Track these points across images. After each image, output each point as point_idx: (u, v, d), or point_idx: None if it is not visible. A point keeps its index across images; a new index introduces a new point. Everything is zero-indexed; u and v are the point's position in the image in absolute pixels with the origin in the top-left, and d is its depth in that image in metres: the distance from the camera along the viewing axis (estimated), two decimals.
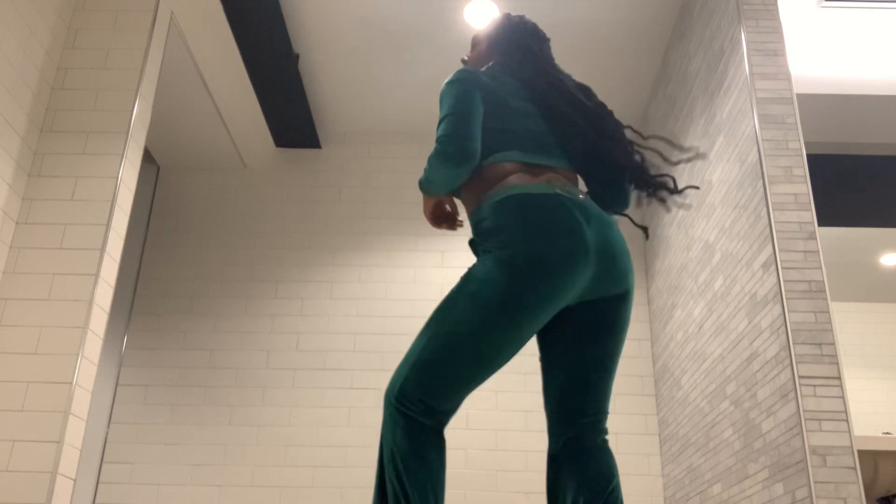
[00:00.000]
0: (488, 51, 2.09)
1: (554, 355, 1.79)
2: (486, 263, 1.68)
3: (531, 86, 1.93)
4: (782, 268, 2.89)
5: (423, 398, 1.63)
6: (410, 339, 4.80)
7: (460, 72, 1.89)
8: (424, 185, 1.85)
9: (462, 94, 1.83)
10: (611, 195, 1.92)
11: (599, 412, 1.75)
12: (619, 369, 4.73)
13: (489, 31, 2.12)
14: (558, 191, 1.73)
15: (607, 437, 1.81)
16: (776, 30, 3.34)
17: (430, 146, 5.33)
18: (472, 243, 1.85)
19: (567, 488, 1.70)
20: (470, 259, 5.01)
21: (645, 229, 2.04)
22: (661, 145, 4.47)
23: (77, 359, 2.89)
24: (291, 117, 4.91)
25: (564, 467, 1.72)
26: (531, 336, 1.69)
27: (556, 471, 1.74)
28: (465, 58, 2.17)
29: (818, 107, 4.00)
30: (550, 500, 1.75)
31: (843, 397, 2.69)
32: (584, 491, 1.66)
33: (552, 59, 2.06)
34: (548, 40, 2.11)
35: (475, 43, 2.15)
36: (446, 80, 1.90)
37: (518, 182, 1.75)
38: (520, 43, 2.03)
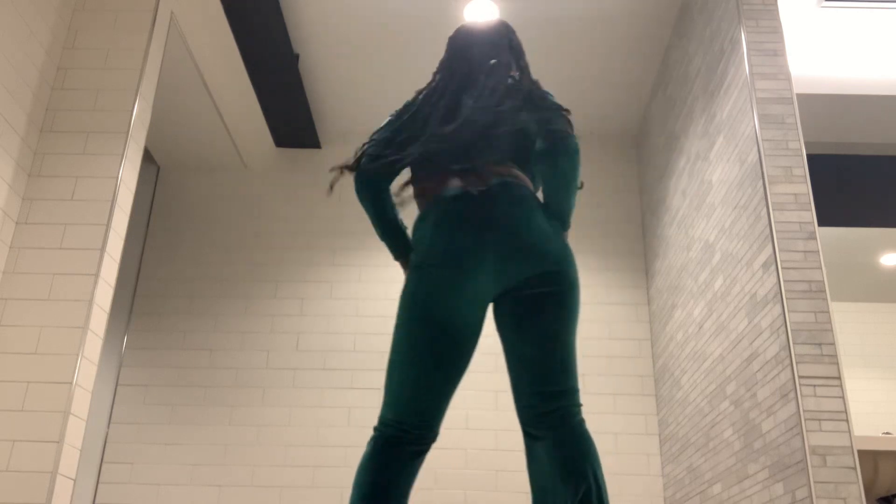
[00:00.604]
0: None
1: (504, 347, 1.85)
2: None
3: None
4: (782, 268, 2.89)
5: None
6: None
7: None
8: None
9: None
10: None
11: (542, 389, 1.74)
12: (619, 369, 4.73)
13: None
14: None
15: (567, 414, 1.72)
16: (776, 30, 3.34)
17: None
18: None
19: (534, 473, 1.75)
20: None
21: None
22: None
23: (77, 359, 2.89)
24: (291, 117, 4.91)
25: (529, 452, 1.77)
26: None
27: (527, 455, 1.79)
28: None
29: (818, 107, 4.00)
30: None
31: (843, 397, 2.69)
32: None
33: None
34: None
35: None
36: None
37: None
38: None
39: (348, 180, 5.23)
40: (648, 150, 4.96)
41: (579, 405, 1.75)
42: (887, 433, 3.60)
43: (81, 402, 2.92)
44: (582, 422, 1.73)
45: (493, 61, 2.01)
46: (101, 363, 4.69)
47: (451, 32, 4.53)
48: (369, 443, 1.74)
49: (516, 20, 4.40)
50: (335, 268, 4.99)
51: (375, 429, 1.75)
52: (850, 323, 4.00)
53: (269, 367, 4.73)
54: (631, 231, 5.07)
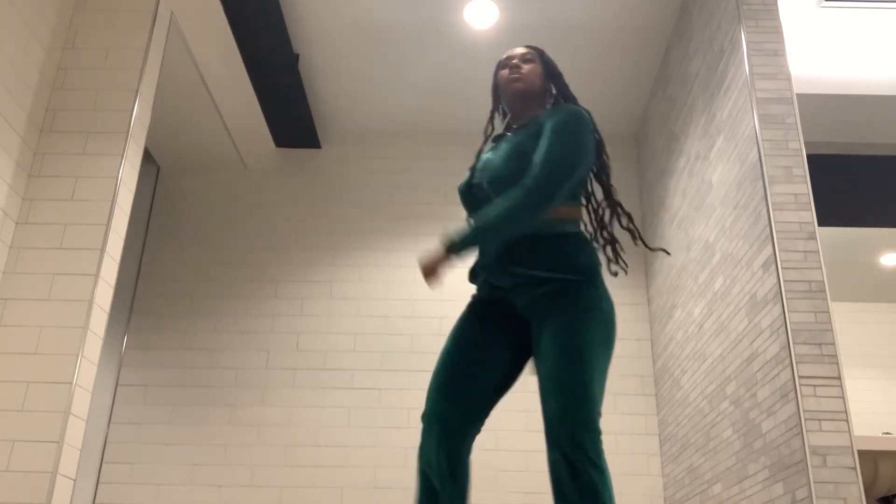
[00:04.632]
0: (544, 83, 2.15)
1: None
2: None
3: None
4: (782, 268, 2.89)
5: None
6: (410, 338, 4.80)
7: (588, 113, 1.99)
8: (488, 229, 1.89)
9: (588, 142, 1.95)
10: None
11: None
12: (619, 369, 4.73)
13: (548, 60, 2.18)
14: None
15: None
16: (776, 30, 3.34)
17: (430, 146, 5.33)
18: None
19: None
20: (467, 261, 5.00)
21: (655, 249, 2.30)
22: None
23: (77, 359, 2.89)
24: (291, 117, 4.91)
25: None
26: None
27: None
28: (520, 64, 2.14)
29: (818, 107, 4.00)
30: None
31: (843, 397, 2.69)
32: None
33: None
34: None
35: (531, 59, 2.15)
36: (578, 114, 1.96)
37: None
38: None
39: (349, 180, 5.23)
40: (648, 150, 4.96)
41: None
42: (887, 433, 3.60)
43: (81, 402, 2.92)
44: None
45: None
46: (101, 363, 4.69)
47: (451, 32, 4.54)
48: (603, 452, 1.73)
49: (516, 21, 4.40)
50: (335, 268, 4.99)
51: (601, 437, 1.75)
52: (850, 323, 4.00)
53: (269, 367, 4.73)
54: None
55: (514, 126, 2.14)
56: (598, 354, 1.78)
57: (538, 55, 2.16)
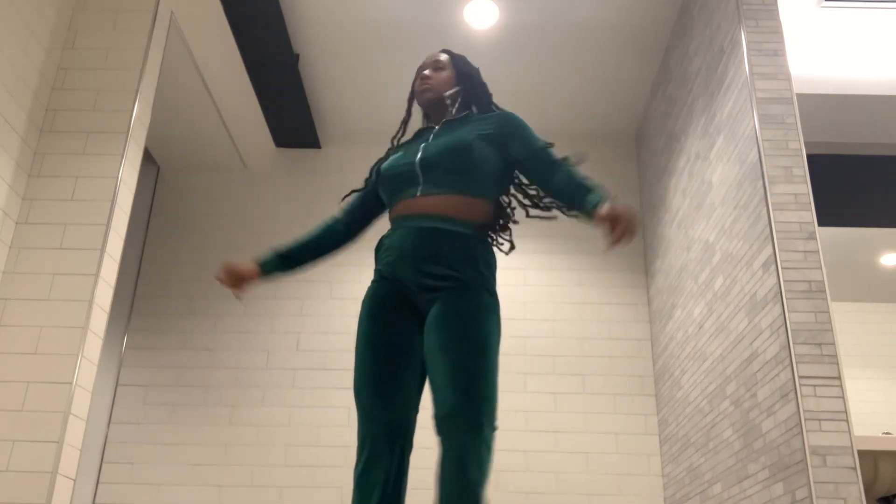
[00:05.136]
0: (454, 89, 2.25)
1: None
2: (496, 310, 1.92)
3: None
4: (782, 268, 2.89)
5: None
6: None
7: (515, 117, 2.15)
8: None
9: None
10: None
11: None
12: (619, 369, 4.73)
13: (459, 64, 2.26)
14: None
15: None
16: (776, 30, 3.34)
17: None
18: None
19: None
20: None
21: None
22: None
23: (77, 359, 2.89)
24: (291, 117, 4.91)
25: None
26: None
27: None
28: (430, 74, 2.21)
29: (818, 107, 4.00)
30: None
31: (843, 397, 2.69)
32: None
33: None
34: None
35: (443, 66, 2.24)
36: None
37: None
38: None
39: (349, 180, 5.23)
40: (648, 150, 4.96)
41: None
42: (887, 433, 3.60)
43: (81, 402, 2.92)
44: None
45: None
46: (101, 363, 4.69)
47: (451, 32, 4.54)
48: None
49: (516, 21, 4.40)
50: (335, 268, 4.99)
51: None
52: (850, 323, 4.00)
53: (269, 368, 4.73)
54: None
55: (434, 125, 2.21)
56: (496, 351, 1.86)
57: (450, 61, 2.24)
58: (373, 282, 2.02)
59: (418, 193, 2.00)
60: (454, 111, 2.20)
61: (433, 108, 2.21)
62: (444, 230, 1.93)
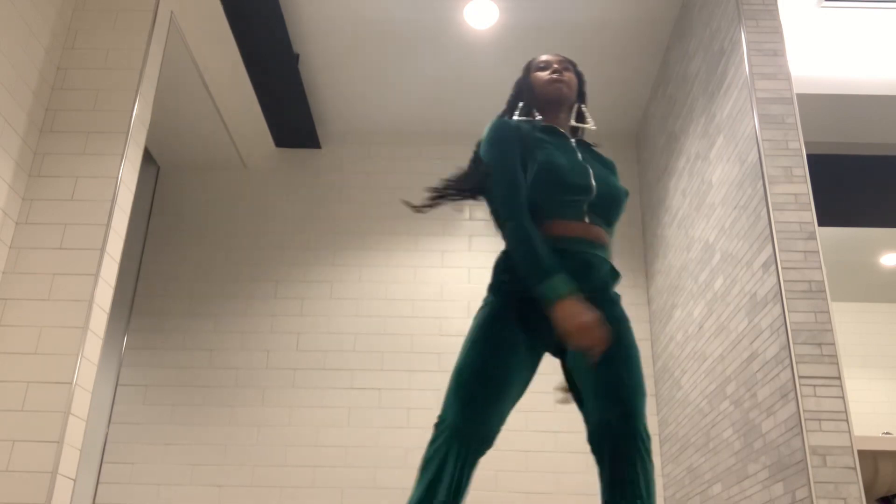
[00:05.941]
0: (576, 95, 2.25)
1: None
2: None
3: None
4: (782, 268, 2.89)
5: None
6: (410, 338, 4.80)
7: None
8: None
9: None
10: None
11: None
12: None
13: (579, 72, 2.25)
14: None
15: None
16: (776, 30, 3.34)
17: (430, 145, 5.33)
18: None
19: None
20: (467, 262, 5.00)
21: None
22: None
23: (77, 359, 2.89)
24: (291, 117, 4.91)
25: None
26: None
27: None
28: (562, 70, 2.17)
29: (818, 107, 4.00)
30: None
31: (843, 397, 2.69)
32: None
33: None
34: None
35: (569, 68, 2.23)
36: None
37: None
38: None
39: (349, 180, 5.23)
40: (648, 150, 4.96)
41: None
42: (887, 433, 3.60)
43: (81, 402, 2.92)
44: None
45: None
46: (101, 363, 4.69)
47: (450, 32, 4.54)
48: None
49: (516, 21, 4.40)
50: (335, 268, 4.99)
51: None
52: (850, 323, 4.00)
53: (269, 367, 4.73)
54: (631, 231, 5.07)
55: (552, 125, 2.11)
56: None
57: (574, 69, 2.20)
58: (526, 300, 1.89)
59: (587, 220, 1.95)
60: (570, 121, 2.15)
61: (554, 105, 2.12)
62: (610, 266, 1.98)
